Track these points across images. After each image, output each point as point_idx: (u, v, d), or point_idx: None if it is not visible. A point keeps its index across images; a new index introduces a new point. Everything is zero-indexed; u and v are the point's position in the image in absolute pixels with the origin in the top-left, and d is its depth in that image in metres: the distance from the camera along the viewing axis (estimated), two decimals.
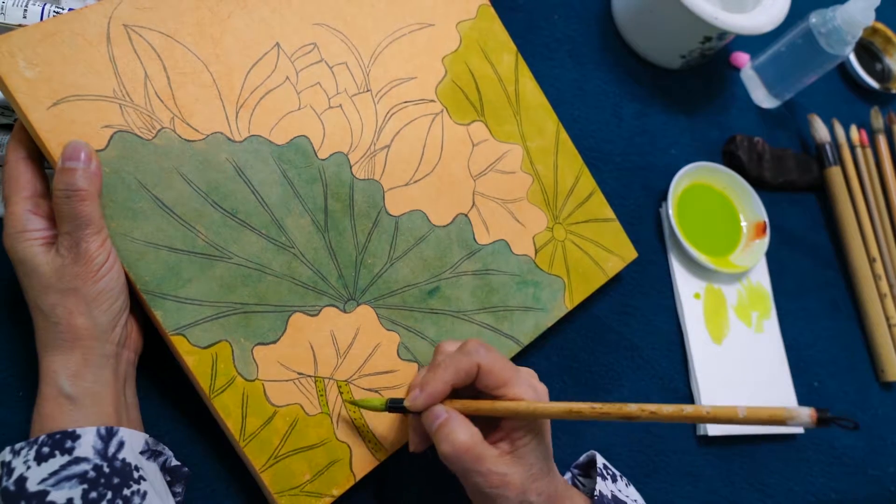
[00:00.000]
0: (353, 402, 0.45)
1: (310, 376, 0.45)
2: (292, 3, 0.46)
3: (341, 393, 0.45)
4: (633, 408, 0.36)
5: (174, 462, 0.42)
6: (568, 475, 0.49)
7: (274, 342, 0.44)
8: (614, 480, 0.47)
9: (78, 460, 0.36)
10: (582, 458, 0.49)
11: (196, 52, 0.42)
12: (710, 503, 0.60)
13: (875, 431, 0.69)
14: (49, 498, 0.35)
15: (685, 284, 0.65)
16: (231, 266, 0.43)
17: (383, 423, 0.46)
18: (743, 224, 0.70)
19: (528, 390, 0.40)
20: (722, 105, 0.76)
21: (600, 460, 0.47)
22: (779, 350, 0.67)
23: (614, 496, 0.45)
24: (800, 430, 0.64)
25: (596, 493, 0.44)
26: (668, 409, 0.35)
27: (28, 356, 0.43)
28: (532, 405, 0.39)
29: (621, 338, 0.61)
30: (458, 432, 0.39)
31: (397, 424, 0.47)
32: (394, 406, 0.43)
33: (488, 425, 0.42)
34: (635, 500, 0.46)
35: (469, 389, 0.42)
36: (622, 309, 0.62)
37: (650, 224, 0.67)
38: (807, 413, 0.31)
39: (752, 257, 0.67)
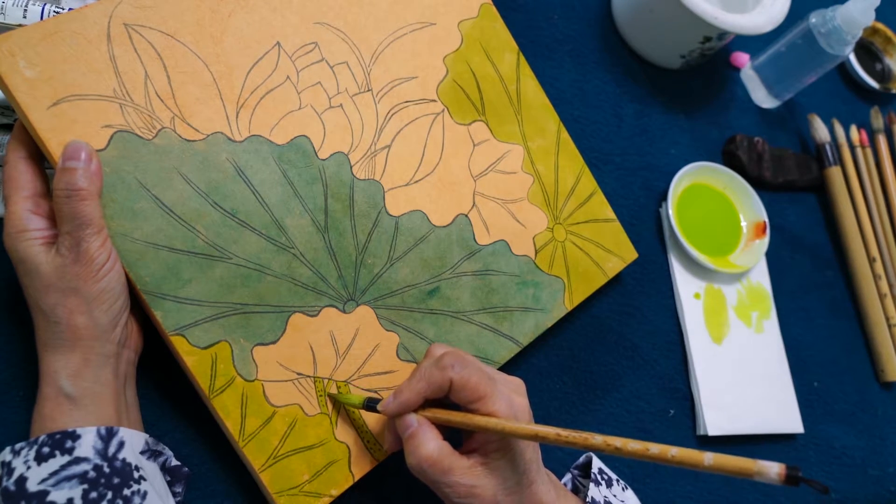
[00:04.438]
0: (332, 396, 0.45)
1: (309, 377, 0.45)
2: (293, 3, 0.46)
3: (340, 393, 0.45)
4: (598, 440, 0.35)
5: (174, 462, 0.42)
6: (568, 476, 0.49)
7: (273, 342, 0.43)
8: (609, 485, 0.46)
9: (78, 460, 0.36)
10: (581, 459, 0.49)
11: (196, 51, 0.42)
12: (710, 503, 0.60)
13: (875, 431, 0.69)
14: (49, 498, 0.35)
15: (685, 284, 0.65)
16: (231, 266, 0.43)
17: (382, 424, 0.46)
18: (743, 224, 0.70)
19: (503, 406, 0.40)
20: (722, 105, 0.76)
21: (596, 464, 0.47)
22: (779, 350, 0.67)
23: (607, 501, 0.44)
24: (799, 430, 0.64)
25: (588, 499, 0.44)
26: (633, 446, 0.34)
27: (28, 356, 0.43)
28: (501, 424, 0.38)
29: (621, 338, 0.61)
30: (424, 445, 0.39)
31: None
32: (370, 406, 0.43)
33: (466, 433, 0.42)
34: None
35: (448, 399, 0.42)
36: (622, 309, 0.62)
37: (650, 224, 0.67)
38: (775, 470, 0.30)
39: (752, 257, 0.67)
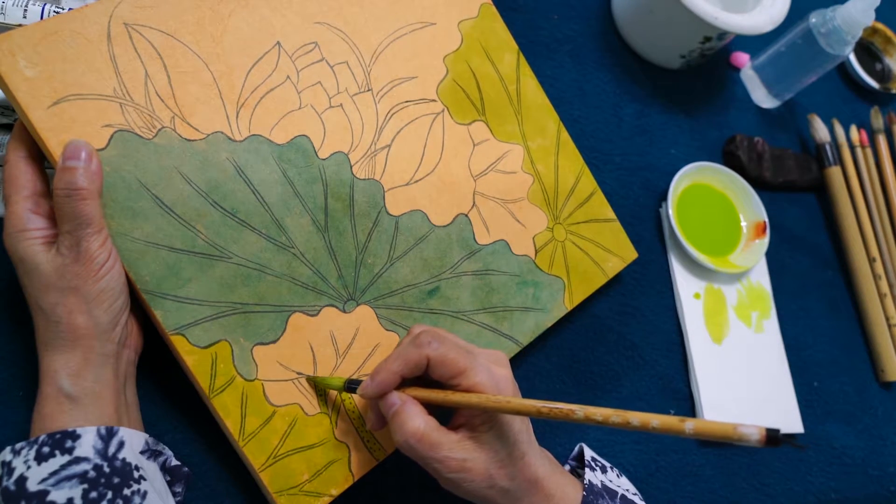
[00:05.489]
0: (312, 378, 0.45)
1: (309, 376, 0.44)
2: (293, 2, 0.46)
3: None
4: (579, 414, 0.35)
5: (174, 462, 0.42)
6: (567, 468, 0.50)
7: (273, 342, 0.43)
8: (604, 471, 0.47)
9: (78, 460, 0.36)
10: (575, 451, 0.50)
11: (197, 51, 0.42)
12: (710, 503, 0.60)
13: (875, 431, 0.69)
14: (49, 498, 0.35)
15: (685, 284, 0.65)
16: (231, 266, 0.43)
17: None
18: (743, 224, 0.70)
19: (485, 378, 0.39)
20: (722, 105, 0.76)
21: (588, 453, 0.48)
22: (779, 350, 0.67)
23: (604, 485, 0.45)
24: (799, 430, 0.64)
25: (585, 482, 0.44)
26: (615, 419, 0.34)
27: (28, 356, 0.43)
28: (481, 400, 0.38)
29: (621, 338, 0.61)
30: (410, 421, 0.39)
31: None
32: (350, 387, 0.43)
33: (451, 410, 0.41)
34: (627, 490, 0.47)
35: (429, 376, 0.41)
36: (622, 309, 0.62)
37: (650, 224, 0.67)
38: (756, 432, 0.30)
39: (752, 257, 0.67)
